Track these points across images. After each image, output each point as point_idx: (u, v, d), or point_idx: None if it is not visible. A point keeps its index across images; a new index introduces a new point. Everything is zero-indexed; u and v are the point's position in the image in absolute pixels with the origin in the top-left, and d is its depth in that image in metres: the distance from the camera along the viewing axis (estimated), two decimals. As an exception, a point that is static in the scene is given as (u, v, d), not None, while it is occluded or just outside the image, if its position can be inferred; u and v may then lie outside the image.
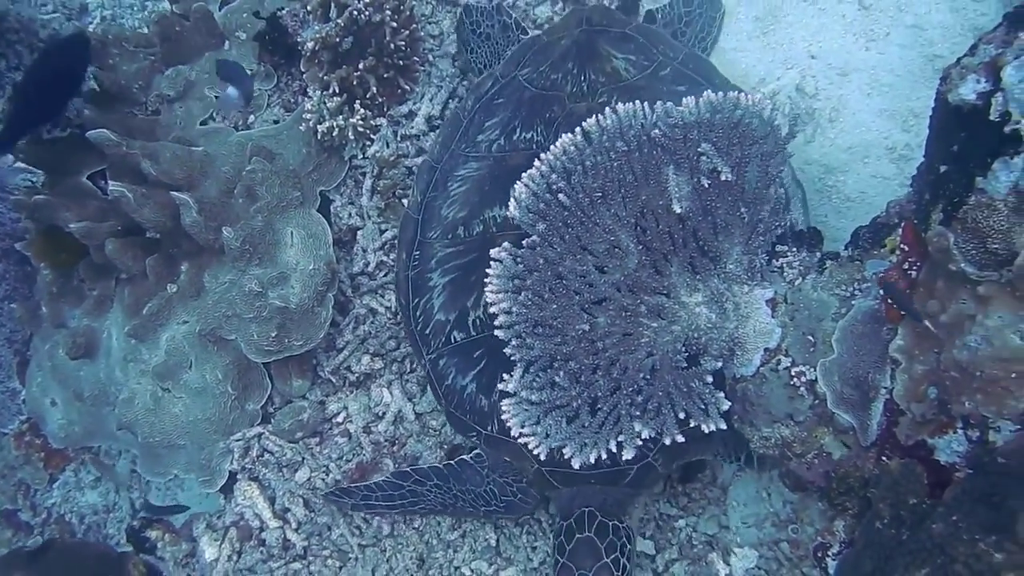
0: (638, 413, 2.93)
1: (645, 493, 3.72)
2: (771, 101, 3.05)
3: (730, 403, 2.95)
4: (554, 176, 3.04)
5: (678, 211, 3.05)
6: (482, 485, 3.83)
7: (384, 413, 4.34)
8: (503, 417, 2.98)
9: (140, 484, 5.48)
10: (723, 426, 2.91)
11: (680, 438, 2.90)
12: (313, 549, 4.31)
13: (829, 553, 3.16)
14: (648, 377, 2.98)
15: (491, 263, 3.03)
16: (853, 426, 2.96)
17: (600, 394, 2.96)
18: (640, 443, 2.91)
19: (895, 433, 2.85)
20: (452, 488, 3.90)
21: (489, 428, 3.55)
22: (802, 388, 3.02)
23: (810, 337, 3.07)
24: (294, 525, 4.33)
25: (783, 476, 3.67)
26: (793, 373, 3.04)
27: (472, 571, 4.16)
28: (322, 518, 4.30)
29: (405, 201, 4.44)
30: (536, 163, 3.07)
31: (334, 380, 4.41)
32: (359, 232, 4.47)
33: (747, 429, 3.21)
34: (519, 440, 2.95)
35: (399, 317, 4.25)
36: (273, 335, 4.09)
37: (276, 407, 4.45)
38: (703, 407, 2.94)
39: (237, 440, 4.35)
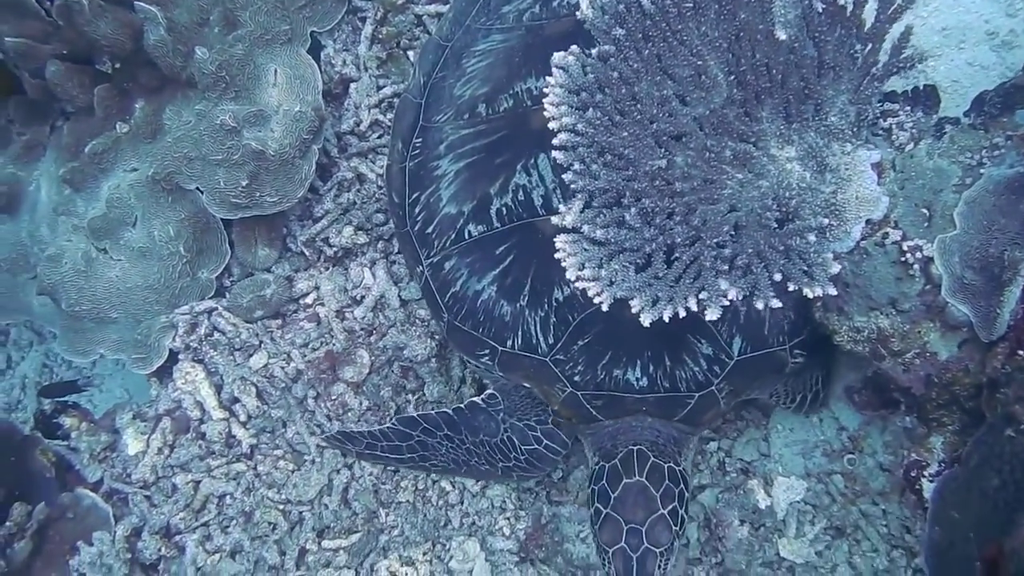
0: (724, 268, 2.33)
1: (699, 434, 3.09)
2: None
3: (839, 268, 2.36)
4: (642, -28, 2.43)
5: (782, 38, 2.46)
6: (498, 434, 3.17)
7: (363, 297, 3.66)
8: (558, 255, 2.34)
9: (51, 379, 4.76)
10: (832, 291, 2.34)
11: (776, 303, 2.31)
12: (263, 448, 3.63)
13: (925, 473, 2.62)
14: (733, 233, 2.39)
15: (554, 70, 2.41)
16: (969, 321, 2.43)
17: (678, 242, 2.35)
18: (726, 304, 2.31)
19: (1038, 323, 2.31)
20: (465, 440, 3.24)
21: (509, 343, 2.87)
22: (916, 266, 2.48)
23: (924, 210, 2.52)
24: (242, 418, 3.64)
25: (851, 391, 3.15)
26: (905, 248, 2.49)
27: (453, 485, 3.52)
28: (277, 411, 3.62)
29: (410, 54, 3.78)
30: (619, -46, 2.44)
31: (307, 253, 3.72)
32: (352, 85, 3.79)
33: (833, 319, 2.65)
34: (577, 284, 2.32)
35: (389, 214, 3.59)
36: (244, 184, 3.39)
37: (234, 279, 3.76)
38: (805, 269, 2.35)
39: (183, 314, 3.64)
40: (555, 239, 2.35)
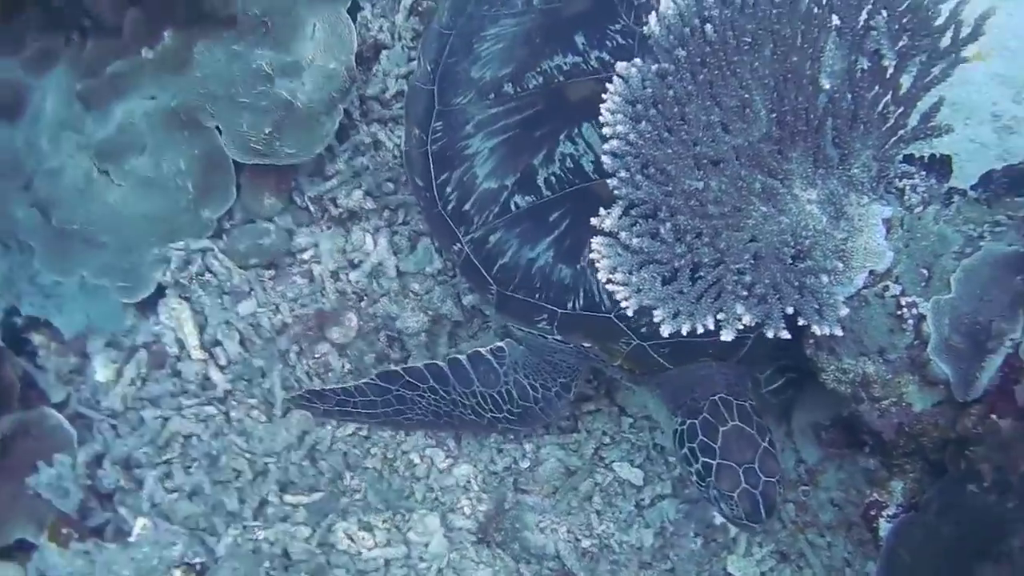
0: (744, 294, 2.47)
1: (750, 375, 3.21)
2: (962, -7, 2.64)
3: (847, 311, 2.51)
4: (709, 1, 2.55)
5: (825, 86, 2.62)
6: (496, 386, 3.30)
7: (361, 261, 3.71)
8: (592, 256, 2.45)
9: (10, 293, 4.67)
10: (839, 332, 2.48)
11: (786, 334, 2.45)
12: (238, 395, 3.66)
13: (883, 513, 2.80)
14: (753, 262, 2.52)
15: (614, 78, 2.52)
16: (948, 380, 2.60)
17: (704, 262, 2.48)
18: (740, 328, 2.45)
19: (1013, 392, 2.48)
20: (451, 392, 3.35)
21: (570, 305, 2.97)
22: (909, 321, 2.63)
23: (924, 271, 2.68)
24: (221, 362, 3.66)
25: (819, 428, 3.32)
26: (902, 303, 2.64)
27: (422, 458, 3.60)
28: (258, 361, 3.65)
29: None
30: (690, -20, 2.57)
31: (312, 209, 3.76)
32: (384, 52, 3.83)
33: (823, 357, 2.80)
34: (607, 286, 2.44)
35: (411, 192, 3.65)
36: (266, 131, 3.43)
37: (234, 223, 3.77)
38: (816, 307, 2.49)
39: (178, 249, 3.65)
40: (592, 239, 2.47)
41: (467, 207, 3.11)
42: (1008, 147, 3.49)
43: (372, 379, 3.43)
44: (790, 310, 2.49)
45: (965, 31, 2.65)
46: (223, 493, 3.52)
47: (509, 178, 3.05)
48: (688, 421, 2.96)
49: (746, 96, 2.58)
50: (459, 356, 3.34)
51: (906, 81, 2.69)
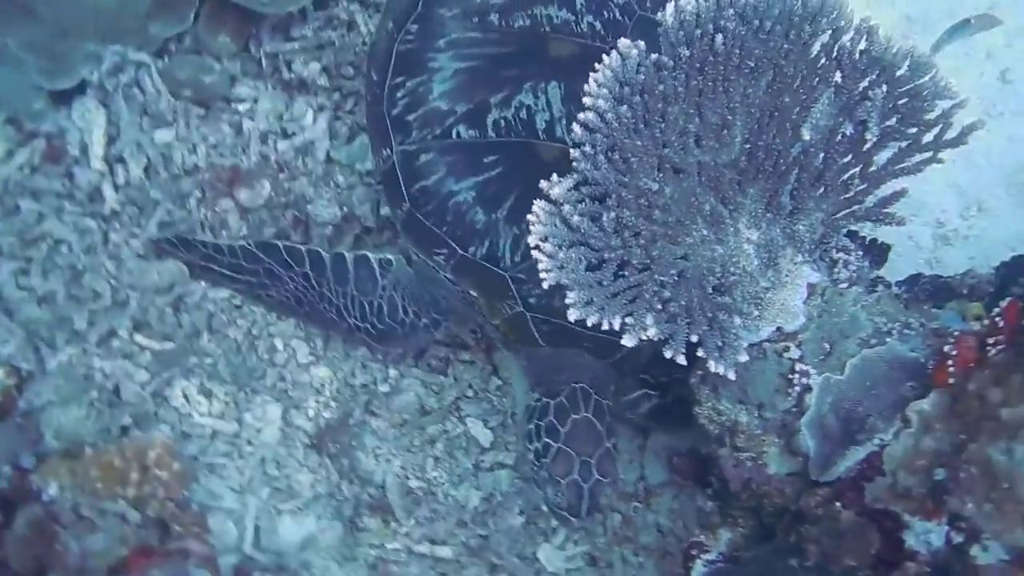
0: (658, 307, 2.44)
1: (616, 380, 3.19)
2: (964, 99, 2.63)
3: (747, 358, 2.51)
4: (730, 12, 2.49)
5: (805, 137, 2.60)
6: (370, 295, 3.22)
7: (294, 133, 3.57)
8: (530, 217, 2.38)
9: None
10: (732, 376, 2.48)
11: (683, 360, 2.44)
12: (124, 219, 3.49)
13: (703, 556, 2.84)
14: (676, 279, 2.50)
15: (612, 53, 2.44)
16: (808, 454, 2.63)
17: (632, 262, 2.44)
18: (644, 338, 2.42)
19: (863, 488, 2.53)
20: (324, 284, 3.25)
21: (472, 250, 2.90)
22: (796, 388, 2.66)
23: (827, 345, 2.70)
24: (119, 181, 3.48)
25: (674, 455, 3.35)
26: (797, 368, 2.66)
27: (286, 347, 3.51)
28: (155, 193, 3.47)
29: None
30: (718, -15, 2.50)
31: (264, 64, 3.58)
32: (384, -68, 3.67)
33: (705, 392, 2.81)
34: (533, 249, 2.38)
35: (364, 89, 3.41)
36: (246, -32, 3.25)
37: (180, 49, 3.56)
38: (719, 344, 2.49)
39: (115, 53, 3.43)
40: (535, 202, 2.40)
41: (410, 118, 2.99)
42: (940, 256, 3.55)
43: (248, 244, 3.31)
44: (694, 338, 2.47)
45: (951, 134, 2.65)
46: (74, 310, 3.37)
47: (461, 105, 2.95)
48: (544, 400, 2.98)
49: (728, 118, 2.54)
50: (345, 253, 3.25)
51: (879, 160, 2.69)
